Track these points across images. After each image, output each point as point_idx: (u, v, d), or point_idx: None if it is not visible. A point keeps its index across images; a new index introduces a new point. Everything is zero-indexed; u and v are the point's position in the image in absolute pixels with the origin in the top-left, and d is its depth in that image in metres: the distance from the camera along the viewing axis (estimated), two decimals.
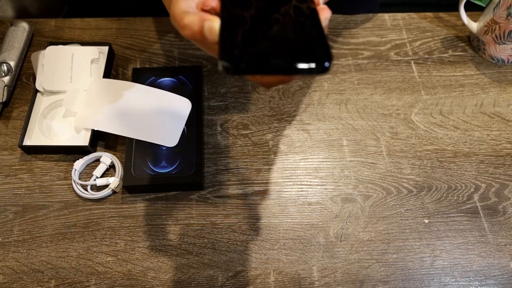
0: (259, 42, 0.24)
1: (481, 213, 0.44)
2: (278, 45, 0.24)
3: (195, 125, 0.46)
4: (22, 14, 0.59)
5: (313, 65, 0.23)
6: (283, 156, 0.47)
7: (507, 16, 0.49)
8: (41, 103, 0.48)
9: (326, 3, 0.35)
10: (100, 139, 0.47)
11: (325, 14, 0.28)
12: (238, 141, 0.47)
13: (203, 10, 0.28)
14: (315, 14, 0.26)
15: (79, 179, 0.44)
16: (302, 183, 0.45)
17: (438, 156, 0.47)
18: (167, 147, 0.44)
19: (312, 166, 0.46)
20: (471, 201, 0.45)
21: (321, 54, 0.24)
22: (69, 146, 0.45)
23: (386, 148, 0.48)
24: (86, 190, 0.44)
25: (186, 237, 0.42)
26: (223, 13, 0.27)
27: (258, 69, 0.24)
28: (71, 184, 0.44)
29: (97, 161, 0.45)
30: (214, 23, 0.26)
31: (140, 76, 0.49)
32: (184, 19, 0.27)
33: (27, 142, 0.45)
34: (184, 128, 0.45)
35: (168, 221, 0.43)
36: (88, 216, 0.43)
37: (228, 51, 0.23)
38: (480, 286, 0.40)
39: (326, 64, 0.23)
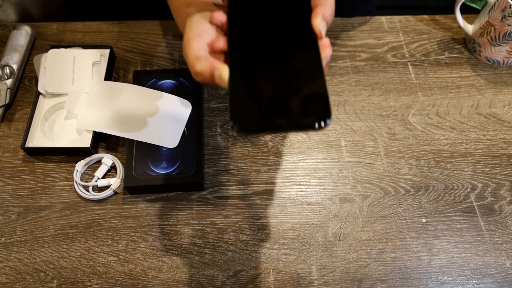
0: (265, 101, 0.27)
1: (477, 212, 0.45)
2: (284, 105, 0.26)
3: (195, 126, 0.47)
4: (24, 18, 0.60)
5: (315, 125, 0.25)
6: (282, 157, 0.48)
7: (502, 19, 0.50)
8: (43, 105, 0.48)
9: None
10: (102, 141, 0.47)
11: (326, 52, 0.29)
12: (237, 142, 0.48)
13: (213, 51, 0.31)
14: (319, 63, 0.28)
15: (81, 180, 0.45)
16: (301, 183, 0.46)
17: (435, 156, 0.48)
18: (168, 148, 0.45)
19: (310, 166, 0.47)
20: (467, 201, 0.45)
21: (323, 113, 0.26)
22: (71, 147, 0.45)
23: (384, 148, 0.48)
24: (88, 191, 0.44)
25: (186, 237, 0.42)
26: (231, 60, 0.29)
27: (265, 130, 0.27)
28: (73, 185, 0.44)
29: (99, 162, 0.46)
30: (223, 72, 0.28)
31: (141, 79, 0.50)
32: (196, 67, 0.29)
33: (30, 144, 0.46)
34: (184, 130, 0.46)
35: (169, 221, 0.43)
36: (90, 217, 0.43)
37: (237, 114, 0.26)
38: (477, 285, 0.41)
39: (328, 121, 0.25)
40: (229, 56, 0.29)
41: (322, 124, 0.25)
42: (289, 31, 0.30)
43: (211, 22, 0.32)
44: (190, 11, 0.36)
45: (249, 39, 0.30)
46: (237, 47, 0.29)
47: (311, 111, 0.26)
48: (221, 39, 0.31)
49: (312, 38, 0.30)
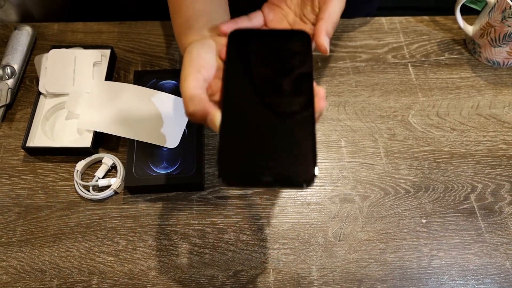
0: (254, 156, 0.27)
1: (477, 213, 0.45)
2: (271, 162, 0.27)
3: (195, 126, 0.47)
4: (25, 18, 0.60)
5: (302, 185, 0.26)
6: None
7: (502, 20, 0.50)
8: (44, 105, 0.48)
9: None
10: (102, 141, 0.47)
11: (321, 105, 0.30)
12: None
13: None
14: (311, 121, 0.28)
15: (81, 180, 0.45)
16: None
17: (435, 157, 0.48)
18: (168, 148, 0.45)
19: None
20: (467, 201, 0.45)
21: (309, 173, 0.26)
22: (71, 147, 0.45)
23: (384, 149, 0.48)
24: (88, 190, 0.44)
25: (186, 237, 0.42)
26: (224, 106, 0.29)
27: (250, 185, 0.29)
28: (74, 185, 0.45)
29: (99, 162, 0.46)
30: (215, 119, 0.28)
31: (142, 79, 0.50)
32: (189, 107, 0.29)
33: (30, 143, 0.46)
34: (185, 130, 0.46)
35: (169, 221, 0.43)
36: (90, 217, 0.43)
37: (225, 165, 0.26)
38: (477, 285, 0.41)
39: (314, 180, 0.26)
40: (223, 103, 0.29)
41: (308, 183, 0.26)
42: (285, 83, 0.30)
43: (220, 57, 0.32)
44: (189, 38, 0.35)
45: (244, 87, 0.30)
46: (232, 95, 0.29)
47: (298, 170, 0.27)
48: (219, 79, 0.31)
49: (308, 92, 0.30)
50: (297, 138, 0.28)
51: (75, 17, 0.60)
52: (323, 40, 0.34)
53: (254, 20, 0.40)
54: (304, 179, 0.26)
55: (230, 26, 0.35)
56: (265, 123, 0.28)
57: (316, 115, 0.29)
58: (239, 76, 0.31)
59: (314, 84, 0.30)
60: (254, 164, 0.27)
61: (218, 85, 0.31)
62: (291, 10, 0.40)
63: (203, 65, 0.31)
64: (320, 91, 0.30)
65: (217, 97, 0.31)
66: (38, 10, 0.60)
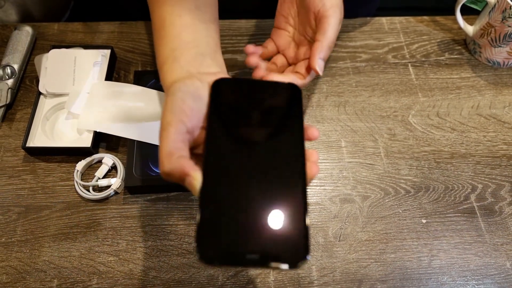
0: (236, 233, 0.24)
1: (478, 213, 0.45)
2: (256, 240, 0.24)
3: None
4: (25, 18, 0.60)
5: (289, 266, 0.23)
6: None
7: (502, 20, 0.50)
8: (44, 105, 0.48)
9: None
10: (102, 141, 0.47)
11: (313, 172, 0.26)
12: None
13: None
14: (302, 191, 0.25)
15: (82, 180, 0.45)
16: None
17: (435, 157, 0.48)
18: None
19: None
20: (468, 202, 0.45)
21: (298, 253, 0.23)
22: (71, 147, 0.45)
23: (384, 149, 0.48)
24: (88, 190, 0.44)
25: (187, 237, 0.42)
26: (205, 171, 0.25)
27: (232, 264, 0.24)
28: (74, 185, 0.45)
29: (99, 162, 0.46)
30: (195, 182, 0.24)
31: (142, 79, 0.50)
32: (165, 166, 0.25)
33: (30, 143, 0.46)
34: None
35: (169, 221, 0.43)
36: (90, 217, 0.43)
37: (204, 241, 0.23)
38: (477, 285, 0.41)
39: (305, 260, 0.23)
40: (204, 165, 0.25)
41: (297, 265, 0.23)
42: (274, 145, 0.27)
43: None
44: (174, 74, 0.31)
45: (228, 148, 0.27)
46: (214, 156, 0.26)
47: (286, 250, 0.23)
48: (204, 129, 0.27)
49: (299, 155, 0.26)
50: (287, 211, 0.25)
51: (75, 17, 0.59)
52: (316, 64, 0.34)
53: (269, 47, 0.40)
54: (295, 258, 0.23)
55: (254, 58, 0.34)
56: (251, 190, 0.25)
57: (308, 181, 0.26)
58: (222, 133, 0.27)
59: (306, 146, 0.27)
60: (237, 242, 0.24)
61: (202, 136, 0.27)
62: (296, 29, 0.40)
63: (186, 113, 0.27)
64: (312, 155, 0.27)
65: (200, 149, 0.28)
66: (38, 10, 0.60)
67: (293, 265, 0.23)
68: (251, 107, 0.29)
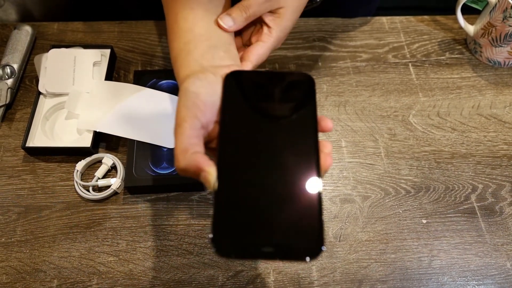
0: (252, 225, 0.24)
1: (478, 213, 0.45)
2: (272, 232, 0.24)
3: None
4: (25, 17, 0.60)
5: (305, 258, 0.23)
6: None
7: (503, 19, 0.49)
8: (44, 105, 0.48)
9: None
10: (102, 141, 0.47)
11: (327, 163, 0.26)
12: None
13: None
14: (317, 184, 0.25)
15: (81, 180, 0.45)
16: None
17: (436, 157, 0.48)
18: (168, 148, 0.45)
19: None
20: (468, 202, 0.45)
21: (314, 245, 0.23)
22: (71, 147, 0.45)
23: (384, 149, 0.48)
24: (88, 191, 0.44)
25: (186, 237, 0.42)
26: (220, 167, 0.25)
27: (248, 257, 0.25)
28: (73, 185, 0.44)
29: (99, 162, 0.46)
30: (210, 177, 0.25)
31: (142, 79, 0.50)
32: (180, 163, 0.25)
33: (30, 143, 0.46)
34: None
35: (169, 221, 0.43)
36: (90, 217, 0.43)
37: (220, 234, 0.23)
38: (477, 286, 0.41)
39: (320, 252, 0.23)
40: (218, 159, 0.26)
41: (313, 256, 0.23)
42: (288, 137, 0.27)
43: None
44: (187, 68, 0.31)
45: (242, 141, 0.26)
46: (228, 150, 0.26)
47: (302, 242, 0.23)
48: (217, 125, 0.27)
49: (313, 147, 0.26)
50: (302, 203, 0.25)
51: (75, 17, 0.59)
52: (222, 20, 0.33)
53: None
54: (311, 250, 0.23)
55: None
56: (265, 183, 0.25)
57: (322, 173, 0.26)
58: (236, 126, 0.27)
59: (320, 137, 0.27)
60: (253, 233, 0.24)
61: (216, 130, 0.27)
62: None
63: (200, 108, 0.27)
64: (326, 146, 0.27)
65: (214, 144, 0.28)
66: (38, 9, 0.60)
67: (309, 257, 0.23)
68: (264, 98, 0.28)
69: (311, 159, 0.26)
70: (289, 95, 0.29)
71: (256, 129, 0.27)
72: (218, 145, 0.26)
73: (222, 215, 0.24)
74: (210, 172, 0.25)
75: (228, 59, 0.33)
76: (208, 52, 0.32)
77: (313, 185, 0.25)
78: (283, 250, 0.24)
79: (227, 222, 0.24)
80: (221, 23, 0.34)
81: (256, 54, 0.35)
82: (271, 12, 0.36)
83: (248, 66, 0.35)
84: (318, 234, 0.24)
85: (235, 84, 0.29)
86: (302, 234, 0.24)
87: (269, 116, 0.28)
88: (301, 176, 0.25)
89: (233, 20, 0.34)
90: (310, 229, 0.24)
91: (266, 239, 0.24)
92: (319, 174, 0.26)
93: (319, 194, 0.25)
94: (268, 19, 0.36)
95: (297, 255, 0.23)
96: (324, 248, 0.23)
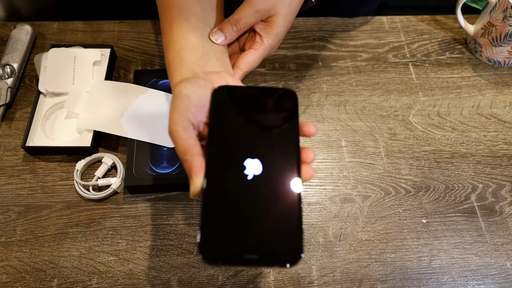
0: (237, 234, 0.26)
1: (478, 213, 0.45)
2: (255, 240, 0.26)
3: None
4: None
5: (286, 264, 0.25)
6: None
7: (503, 19, 0.49)
8: (44, 104, 0.48)
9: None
10: (102, 140, 0.47)
11: (308, 175, 0.28)
12: None
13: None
14: (297, 194, 0.27)
15: (81, 179, 0.45)
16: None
17: (436, 156, 0.48)
18: (168, 148, 0.45)
19: None
20: (468, 201, 0.45)
21: (294, 252, 0.25)
22: (71, 147, 0.45)
23: (385, 149, 0.48)
24: (88, 190, 0.44)
25: (187, 236, 0.42)
26: (208, 174, 0.27)
27: (232, 264, 0.27)
28: (73, 184, 0.44)
29: (99, 161, 0.46)
30: (192, 187, 0.27)
31: (142, 78, 0.50)
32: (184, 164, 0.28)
33: (30, 143, 0.46)
34: None
35: (169, 221, 0.43)
36: (90, 216, 0.43)
37: (206, 242, 0.25)
38: (477, 285, 0.41)
39: (299, 259, 0.25)
40: (206, 168, 0.28)
41: (293, 263, 0.25)
42: (271, 149, 0.29)
43: None
44: (180, 74, 0.33)
45: (228, 153, 0.29)
46: (215, 161, 0.28)
47: (283, 250, 0.26)
48: (206, 126, 0.29)
49: (295, 159, 0.28)
50: (283, 213, 0.27)
51: (75, 16, 0.59)
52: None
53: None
54: (291, 256, 0.25)
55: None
56: (249, 194, 0.27)
57: (303, 181, 0.28)
58: (222, 138, 0.29)
59: (302, 148, 0.29)
60: (238, 242, 0.26)
61: (206, 131, 0.30)
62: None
63: (191, 110, 0.29)
64: (308, 157, 0.28)
65: (204, 142, 0.29)
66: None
67: (289, 263, 0.25)
68: (249, 112, 0.31)
69: (293, 170, 0.28)
70: (272, 109, 0.31)
71: (241, 141, 0.29)
72: (206, 156, 0.28)
73: (208, 223, 0.26)
74: (194, 182, 0.27)
75: (219, 66, 0.34)
76: (201, 59, 0.34)
77: (293, 195, 0.27)
78: (266, 257, 0.26)
79: (212, 230, 0.26)
80: (213, 39, 0.36)
81: (247, 62, 0.37)
82: (263, 21, 0.37)
83: (238, 73, 0.37)
84: (297, 242, 0.26)
85: (222, 98, 0.31)
86: (283, 242, 0.26)
87: (254, 129, 0.30)
88: (282, 187, 0.27)
89: (224, 35, 0.36)
90: (290, 238, 0.26)
91: (250, 247, 0.26)
92: (299, 185, 0.27)
93: (299, 204, 0.27)
94: (259, 28, 0.38)
95: (278, 262, 0.25)
96: (303, 255, 0.25)
